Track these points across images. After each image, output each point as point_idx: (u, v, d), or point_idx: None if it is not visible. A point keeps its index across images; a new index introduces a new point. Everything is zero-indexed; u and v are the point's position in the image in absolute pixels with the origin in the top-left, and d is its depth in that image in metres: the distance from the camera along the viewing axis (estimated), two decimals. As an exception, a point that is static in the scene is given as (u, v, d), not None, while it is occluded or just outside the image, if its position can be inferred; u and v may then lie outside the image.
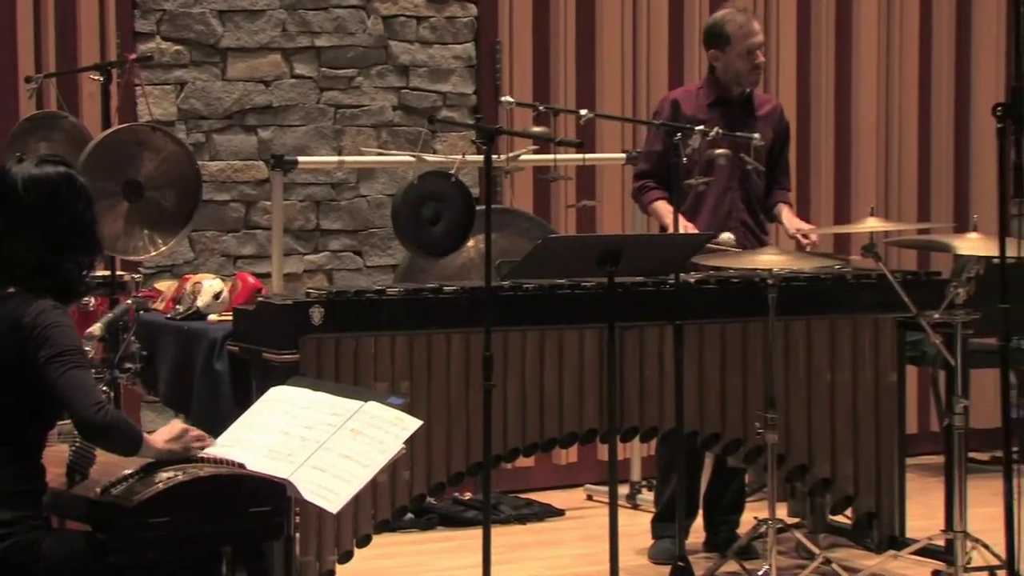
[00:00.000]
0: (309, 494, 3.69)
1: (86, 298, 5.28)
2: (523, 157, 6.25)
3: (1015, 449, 4.71)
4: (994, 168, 7.64)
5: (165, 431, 3.77)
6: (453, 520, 6.55)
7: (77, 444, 3.68)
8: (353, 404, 3.86)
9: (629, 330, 5.23)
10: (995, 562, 5.24)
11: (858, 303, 5.58)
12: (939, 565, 5.50)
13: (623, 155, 6.83)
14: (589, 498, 7.04)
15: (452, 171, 5.44)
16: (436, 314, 5.03)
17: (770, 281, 5.25)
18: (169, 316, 5.62)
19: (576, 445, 5.79)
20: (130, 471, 3.64)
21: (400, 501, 5.05)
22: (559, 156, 6.35)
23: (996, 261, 4.57)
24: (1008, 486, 4.49)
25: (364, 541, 5.03)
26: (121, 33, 6.57)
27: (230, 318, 5.29)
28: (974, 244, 5.24)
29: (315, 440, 3.78)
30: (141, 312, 5.53)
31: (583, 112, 5.68)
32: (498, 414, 4.97)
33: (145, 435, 3.68)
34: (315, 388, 3.98)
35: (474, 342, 4.96)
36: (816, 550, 5.46)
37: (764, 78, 6.53)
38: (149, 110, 6.43)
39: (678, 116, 5.82)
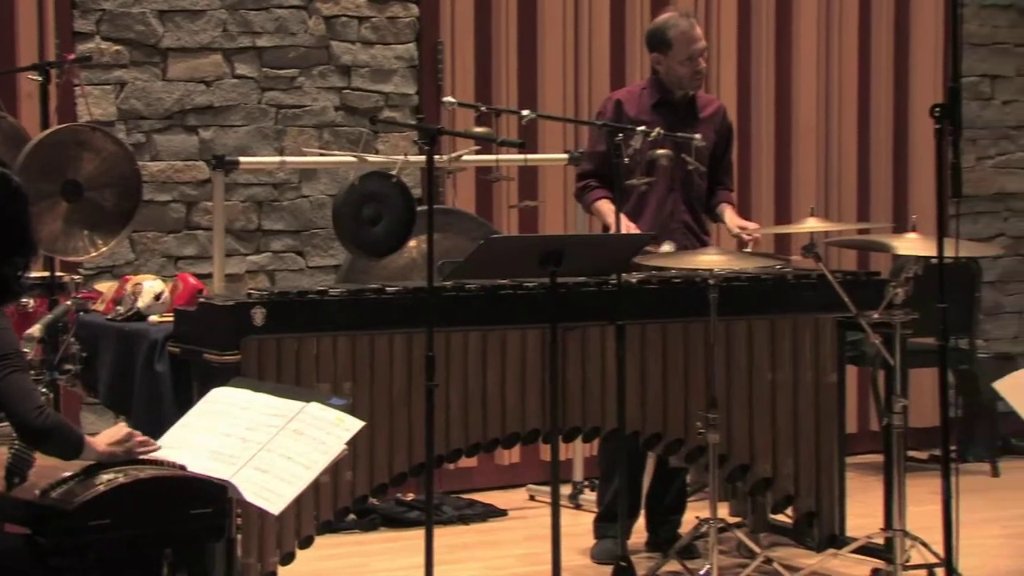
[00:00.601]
0: (251, 495, 3.68)
1: (25, 299, 5.25)
2: (465, 157, 6.25)
3: (953, 448, 4.76)
4: (932, 169, 7.67)
5: (109, 433, 3.75)
6: (395, 521, 6.55)
7: (16, 447, 3.65)
8: (295, 405, 3.85)
9: (571, 330, 5.24)
10: (934, 560, 5.27)
11: (798, 303, 5.61)
12: (879, 563, 5.54)
13: (565, 155, 6.84)
14: (531, 498, 7.04)
15: (394, 171, 5.44)
16: (378, 315, 5.03)
17: (711, 281, 5.27)
18: (109, 317, 5.59)
19: (518, 445, 5.79)
20: (70, 473, 3.62)
21: (342, 502, 5.04)
22: (501, 156, 6.36)
23: (934, 261, 4.61)
24: (946, 484, 4.52)
25: (306, 542, 5.02)
26: (60, 33, 6.53)
27: (171, 319, 5.27)
28: (913, 244, 5.28)
29: (257, 441, 3.77)
30: (81, 313, 5.50)
31: (525, 112, 5.68)
32: (440, 415, 4.97)
33: (87, 438, 3.66)
34: (257, 389, 3.97)
35: (416, 342, 4.96)
36: (757, 549, 5.49)
37: (705, 80, 6.55)
38: (89, 110, 6.39)
39: (621, 117, 5.83)
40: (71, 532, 3.53)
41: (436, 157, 4.97)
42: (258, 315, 4.87)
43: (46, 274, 5.48)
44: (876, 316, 5.31)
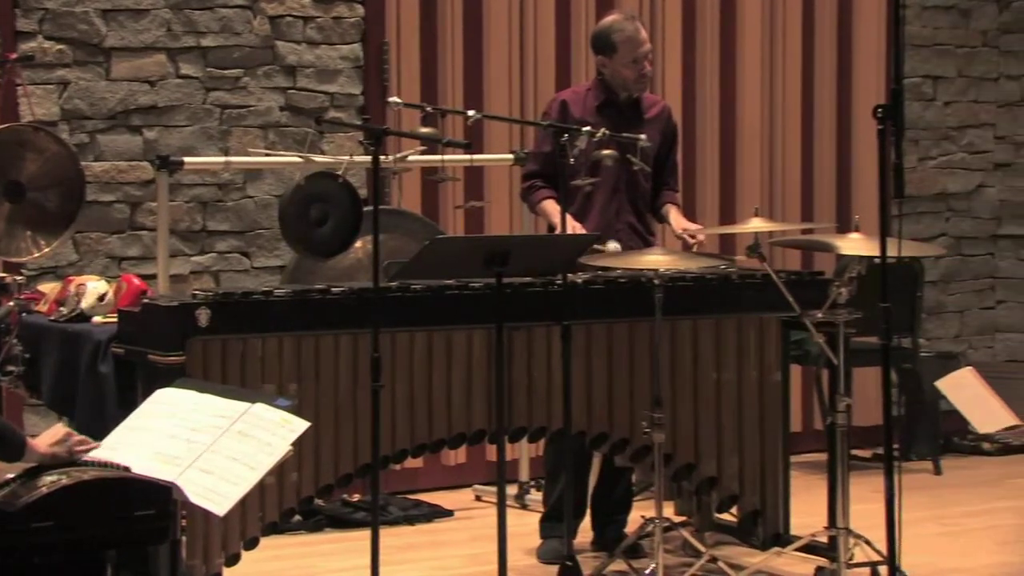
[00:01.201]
0: (196, 497, 3.67)
1: (-33, 301, 5.21)
2: (411, 158, 6.25)
3: (896, 446, 4.79)
4: (875, 169, 7.77)
5: (48, 435, 3.72)
6: (341, 522, 6.54)
7: (-43, 449, 3.63)
8: (240, 406, 3.84)
9: (517, 330, 5.25)
10: (877, 558, 5.31)
11: (743, 303, 5.64)
12: (822, 561, 5.57)
13: (511, 156, 6.85)
14: (478, 498, 7.05)
15: (339, 172, 5.43)
16: (324, 315, 5.02)
17: (656, 281, 5.29)
18: (53, 318, 5.56)
19: (464, 446, 5.80)
20: (12, 475, 3.59)
21: (288, 503, 5.03)
22: (447, 157, 6.36)
23: (877, 261, 4.65)
24: (889, 483, 4.56)
25: (251, 544, 5.00)
26: (2, 32, 6.48)
27: (115, 320, 5.24)
28: (856, 244, 5.30)
29: (202, 442, 3.76)
30: (24, 314, 5.46)
31: (471, 113, 5.69)
32: (386, 415, 4.97)
33: (28, 439, 3.63)
34: (202, 390, 3.95)
35: (362, 343, 4.95)
36: (702, 548, 5.50)
37: (650, 82, 6.57)
38: (31, 110, 6.35)
39: (567, 117, 5.85)
40: (14, 534, 3.50)
41: (382, 158, 4.96)
42: (203, 316, 4.85)
43: (-12, 275, 5.44)
44: (820, 315, 5.34)
